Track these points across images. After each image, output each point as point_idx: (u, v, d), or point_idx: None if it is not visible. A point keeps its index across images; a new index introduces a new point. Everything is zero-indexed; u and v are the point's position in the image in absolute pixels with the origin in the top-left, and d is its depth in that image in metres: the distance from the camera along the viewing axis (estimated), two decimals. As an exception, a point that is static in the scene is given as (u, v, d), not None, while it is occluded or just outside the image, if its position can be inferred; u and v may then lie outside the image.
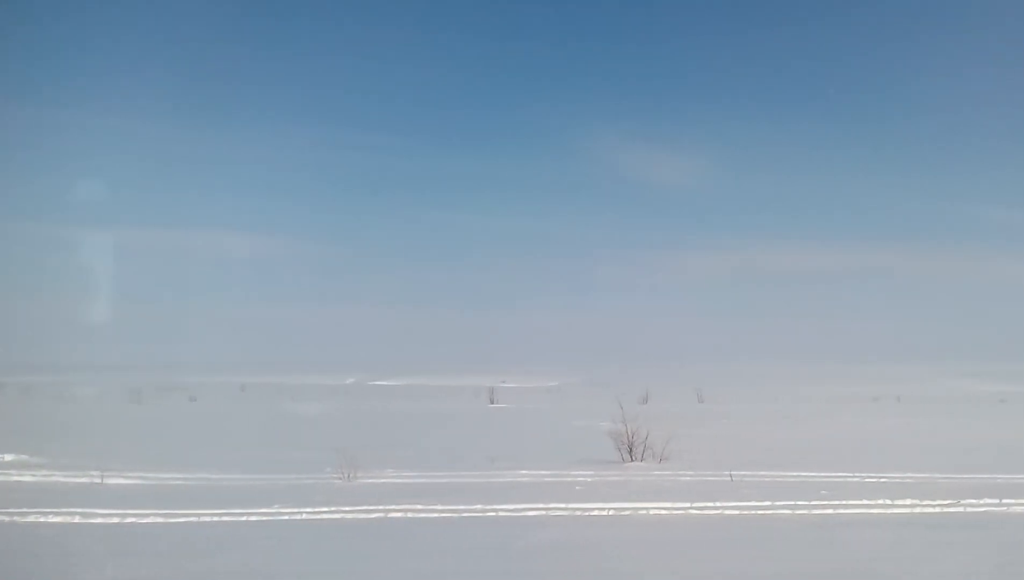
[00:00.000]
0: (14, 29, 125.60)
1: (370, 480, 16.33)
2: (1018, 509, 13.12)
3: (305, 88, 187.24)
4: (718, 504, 13.19)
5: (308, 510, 12.82)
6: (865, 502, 13.59)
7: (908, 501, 13.73)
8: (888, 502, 13.64)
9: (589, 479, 16.57)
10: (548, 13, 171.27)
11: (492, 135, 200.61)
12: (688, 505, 13.16)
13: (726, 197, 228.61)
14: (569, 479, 16.57)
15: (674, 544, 10.45)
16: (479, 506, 12.92)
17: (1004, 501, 13.70)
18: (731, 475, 16.65)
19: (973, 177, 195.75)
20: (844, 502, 13.52)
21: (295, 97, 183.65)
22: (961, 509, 13.13)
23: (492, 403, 48.78)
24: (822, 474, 17.18)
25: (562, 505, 13.04)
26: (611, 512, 12.61)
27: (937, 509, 13.09)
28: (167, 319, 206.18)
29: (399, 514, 12.56)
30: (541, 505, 13.03)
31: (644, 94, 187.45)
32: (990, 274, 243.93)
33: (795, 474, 17.24)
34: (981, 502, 13.64)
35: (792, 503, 13.29)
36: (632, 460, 19.95)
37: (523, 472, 17.58)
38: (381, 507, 12.96)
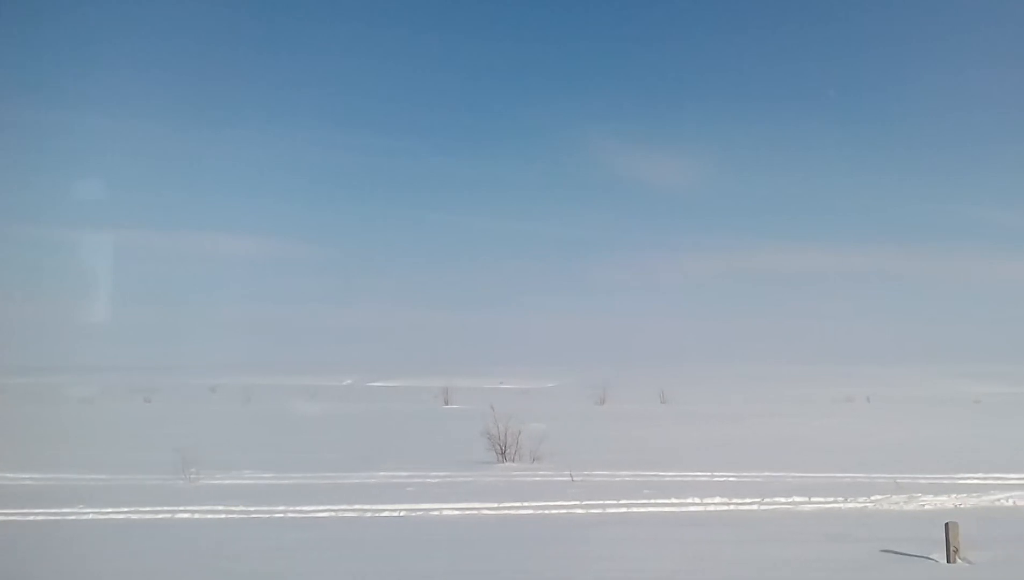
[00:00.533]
0: (14, 29, 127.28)
1: (215, 481, 16.58)
2: (806, 507, 13.24)
3: (305, 89, 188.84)
4: (519, 504, 13.36)
5: (141, 510, 13.11)
6: (673, 500, 13.73)
7: (717, 499, 13.87)
8: (697, 500, 13.78)
9: (434, 480, 16.74)
10: (547, 14, 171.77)
11: (491, 136, 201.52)
12: (496, 505, 13.35)
13: (725, 198, 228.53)
14: (417, 480, 16.74)
15: (413, 543, 10.61)
16: (298, 507, 13.16)
17: (813, 499, 13.83)
18: (572, 475, 16.80)
19: (972, 178, 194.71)
20: (652, 500, 13.68)
21: (295, 98, 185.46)
22: (755, 507, 13.26)
23: (447, 404, 48.99)
24: (672, 473, 17.27)
25: (367, 506, 13.23)
26: (402, 513, 12.81)
27: (731, 507, 13.24)
28: (167, 320, 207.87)
29: (241, 515, 12.90)
30: (345, 506, 13.25)
31: (642, 96, 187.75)
32: (989, 274, 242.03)
33: (646, 473, 17.34)
34: (788, 500, 13.77)
35: (596, 503, 13.44)
36: (504, 461, 20.12)
37: (381, 474, 17.77)
38: (221, 507, 13.28)
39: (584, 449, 22.75)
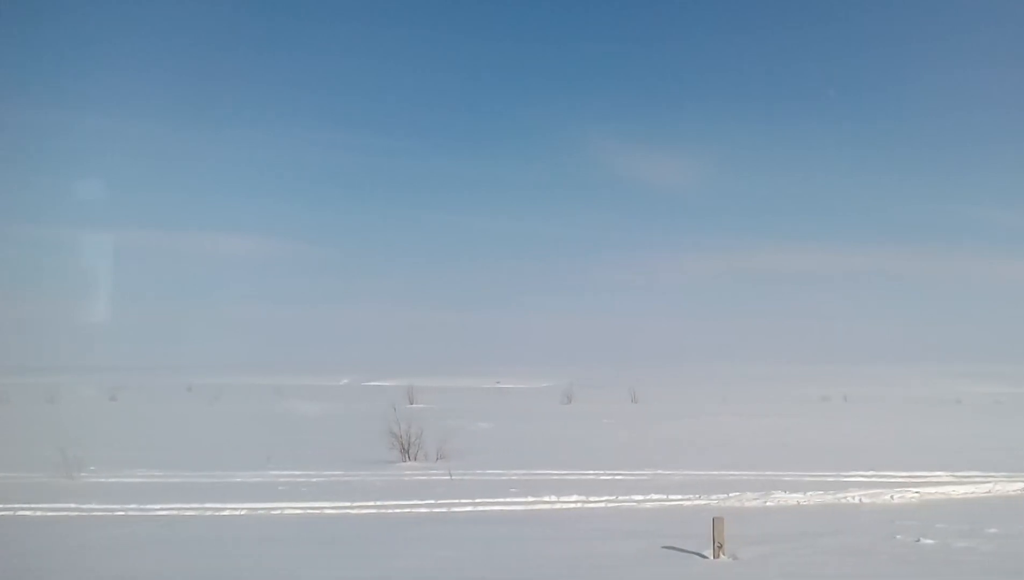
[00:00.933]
0: (14, 29, 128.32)
1: (99, 479, 16.75)
2: (647, 505, 13.32)
3: (304, 89, 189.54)
4: (372, 503, 13.45)
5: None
6: (529, 498, 13.79)
7: (574, 497, 13.95)
8: (553, 498, 13.85)
9: (317, 480, 16.83)
10: (547, 14, 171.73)
11: (491, 136, 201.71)
12: (349, 504, 13.44)
13: (725, 198, 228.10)
14: (300, 479, 16.85)
15: (214, 543, 10.67)
16: (147, 505, 13.32)
17: (653, 496, 13.91)
18: (451, 474, 16.94)
19: (972, 178, 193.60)
20: (506, 499, 13.76)
21: (295, 98, 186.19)
22: (602, 505, 13.36)
23: (411, 404, 49.11)
24: (558, 471, 17.43)
25: (211, 505, 13.30)
26: (244, 512, 12.95)
27: (572, 506, 13.34)
28: (167, 320, 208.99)
29: (84, 512, 13.00)
30: (193, 505, 13.38)
31: (642, 96, 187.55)
32: (989, 274, 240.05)
33: (532, 472, 17.48)
34: (646, 498, 13.83)
35: (446, 502, 13.51)
36: (407, 460, 20.27)
37: (272, 473, 17.88)
38: (74, 506, 13.39)
39: (500, 448, 22.94)
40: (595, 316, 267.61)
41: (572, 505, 13.43)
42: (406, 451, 20.47)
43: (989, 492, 15.13)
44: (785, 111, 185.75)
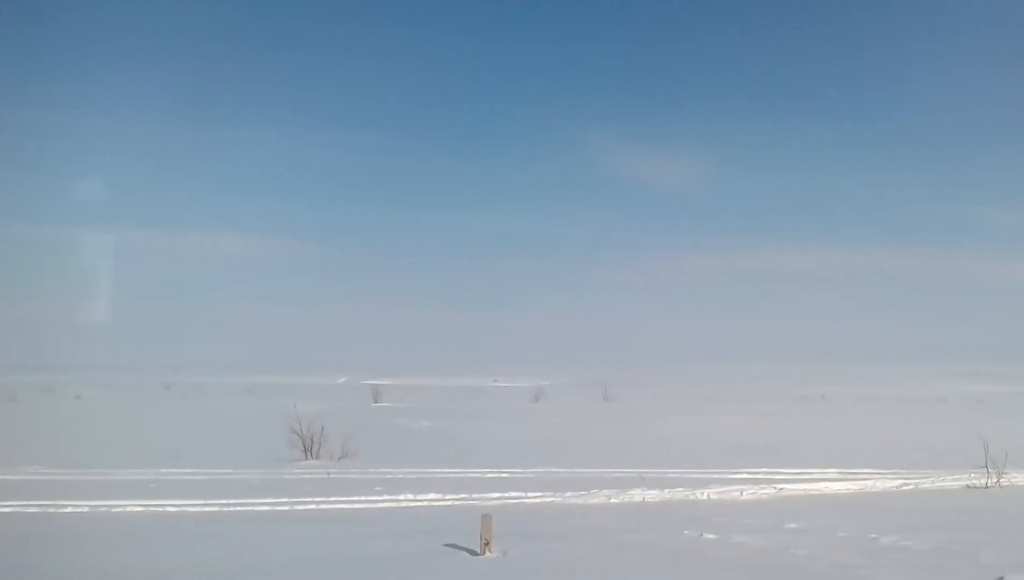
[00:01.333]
0: (14, 29, 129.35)
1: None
2: (527, 501, 13.33)
3: (305, 89, 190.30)
4: (191, 502, 13.42)
5: None
6: (384, 497, 13.81)
7: (431, 495, 13.94)
8: (411, 496, 13.85)
9: (200, 478, 16.79)
10: (547, 14, 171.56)
11: (491, 136, 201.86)
12: (171, 503, 13.33)
13: (725, 198, 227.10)
14: (185, 478, 16.80)
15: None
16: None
17: (508, 495, 13.88)
18: (328, 473, 16.98)
19: (972, 178, 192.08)
20: (365, 497, 13.81)
21: (295, 98, 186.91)
22: (448, 503, 13.35)
23: (375, 402, 49.31)
24: (452, 470, 17.59)
25: (54, 502, 13.23)
26: (87, 510, 12.99)
27: (406, 504, 13.36)
28: (168, 319, 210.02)
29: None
30: (34, 502, 13.37)
31: (642, 96, 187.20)
32: (989, 274, 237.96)
33: (421, 470, 17.49)
34: (503, 495, 13.82)
35: (267, 500, 13.54)
36: (309, 458, 20.28)
37: (165, 470, 17.87)
38: None
39: (422, 446, 23.13)
40: (595, 316, 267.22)
41: (405, 503, 13.44)
42: (308, 450, 20.50)
43: (863, 489, 15.12)
44: (785, 111, 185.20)
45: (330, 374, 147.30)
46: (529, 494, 14.01)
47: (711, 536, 9.80)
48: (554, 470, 17.42)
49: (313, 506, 13.19)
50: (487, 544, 9.08)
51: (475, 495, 13.89)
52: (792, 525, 10.53)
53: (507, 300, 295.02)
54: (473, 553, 9.15)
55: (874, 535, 9.62)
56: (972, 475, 15.58)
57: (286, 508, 13.05)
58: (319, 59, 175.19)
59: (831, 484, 15.46)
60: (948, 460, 19.37)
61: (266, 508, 13.06)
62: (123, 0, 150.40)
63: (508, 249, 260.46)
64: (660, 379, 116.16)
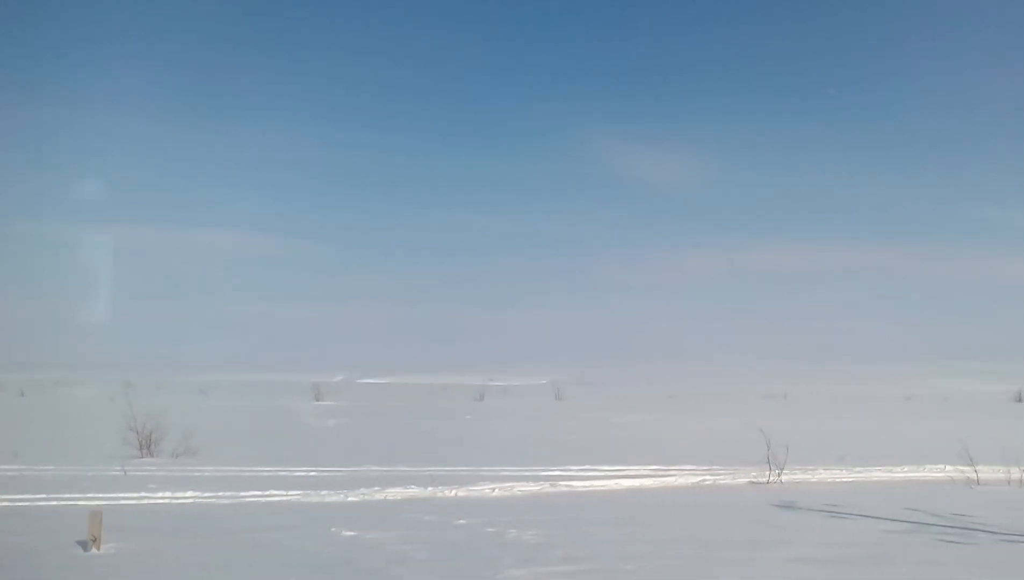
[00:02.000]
0: (14, 29, 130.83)
1: None
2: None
3: (305, 87, 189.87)
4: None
5: None
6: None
7: (291, 493, 13.82)
8: (257, 493, 13.80)
9: (10, 474, 16.79)
10: (547, 15, 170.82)
11: (491, 136, 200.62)
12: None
13: (725, 197, 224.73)
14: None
15: None
16: None
17: (289, 493, 13.71)
18: (124, 470, 16.87)
19: (972, 178, 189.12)
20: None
21: (295, 96, 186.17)
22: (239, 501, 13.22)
23: (317, 401, 49.30)
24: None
25: None
26: None
27: (165, 501, 13.21)
28: (167, 317, 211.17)
29: None
30: None
31: (642, 96, 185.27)
32: (989, 274, 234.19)
33: (256, 468, 17.33)
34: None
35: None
36: (144, 455, 20.14)
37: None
38: None
39: (297, 444, 23.10)
40: (595, 315, 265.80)
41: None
42: (146, 446, 20.37)
43: (642, 486, 14.83)
44: (785, 111, 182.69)
45: (328, 372, 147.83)
46: (251, 493, 13.78)
47: (349, 534, 9.54)
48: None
49: (56, 503, 13.00)
50: (95, 540, 8.85)
51: (243, 493, 13.68)
52: (461, 521, 10.24)
53: (506, 299, 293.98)
54: (87, 550, 8.93)
55: (492, 529, 9.32)
56: (754, 474, 15.31)
57: (25, 504, 12.88)
58: (319, 57, 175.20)
59: (621, 481, 15.15)
60: (797, 456, 18.83)
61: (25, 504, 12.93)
62: (123, 0, 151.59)
63: (508, 248, 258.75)
64: (646, 377, 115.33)
